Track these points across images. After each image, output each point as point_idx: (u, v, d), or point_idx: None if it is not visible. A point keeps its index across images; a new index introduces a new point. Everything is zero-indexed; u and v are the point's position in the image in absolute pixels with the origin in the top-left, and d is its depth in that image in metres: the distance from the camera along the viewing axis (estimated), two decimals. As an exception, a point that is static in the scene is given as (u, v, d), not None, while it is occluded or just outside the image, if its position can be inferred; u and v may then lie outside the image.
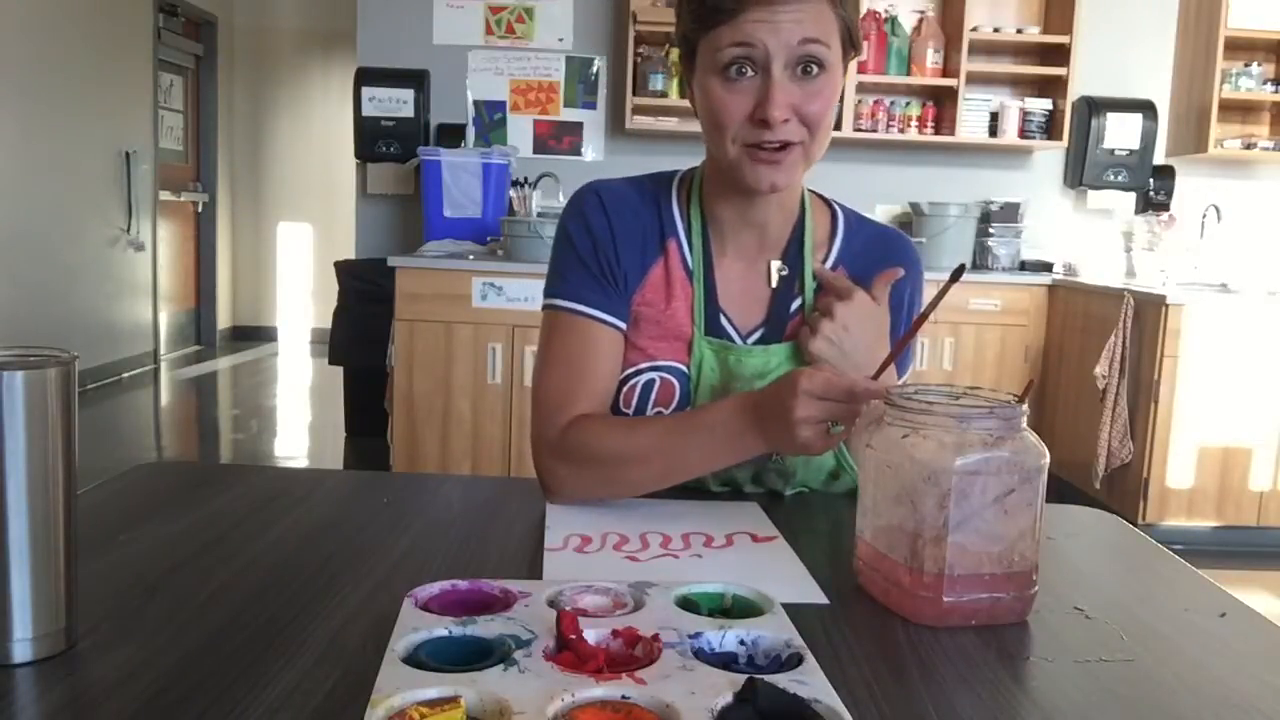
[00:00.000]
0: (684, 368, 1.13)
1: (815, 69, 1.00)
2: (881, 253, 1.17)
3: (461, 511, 1.06)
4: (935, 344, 4.02)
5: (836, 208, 1.21)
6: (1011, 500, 0.77)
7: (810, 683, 0.59)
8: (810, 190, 1.19)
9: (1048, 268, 4.36)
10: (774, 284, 1.15)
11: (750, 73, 1.00)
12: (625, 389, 1.14)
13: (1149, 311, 3.58)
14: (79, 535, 0.69)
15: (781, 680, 0.59)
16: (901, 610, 0.79)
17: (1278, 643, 0.79)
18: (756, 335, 1.15)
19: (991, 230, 4.38)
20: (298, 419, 5.67)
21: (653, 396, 1.13)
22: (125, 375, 6.28)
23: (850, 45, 1.05)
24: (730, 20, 0.99)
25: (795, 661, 0.64)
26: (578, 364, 1.11)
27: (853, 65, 4.22)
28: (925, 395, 0.81)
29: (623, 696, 0.57)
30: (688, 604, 0.72)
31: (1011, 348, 4.10)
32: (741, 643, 0.66)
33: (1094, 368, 3.68)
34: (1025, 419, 0.79)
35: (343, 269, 4.56)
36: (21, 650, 0.65)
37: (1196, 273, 4.25)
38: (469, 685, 0.57)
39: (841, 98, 1.05)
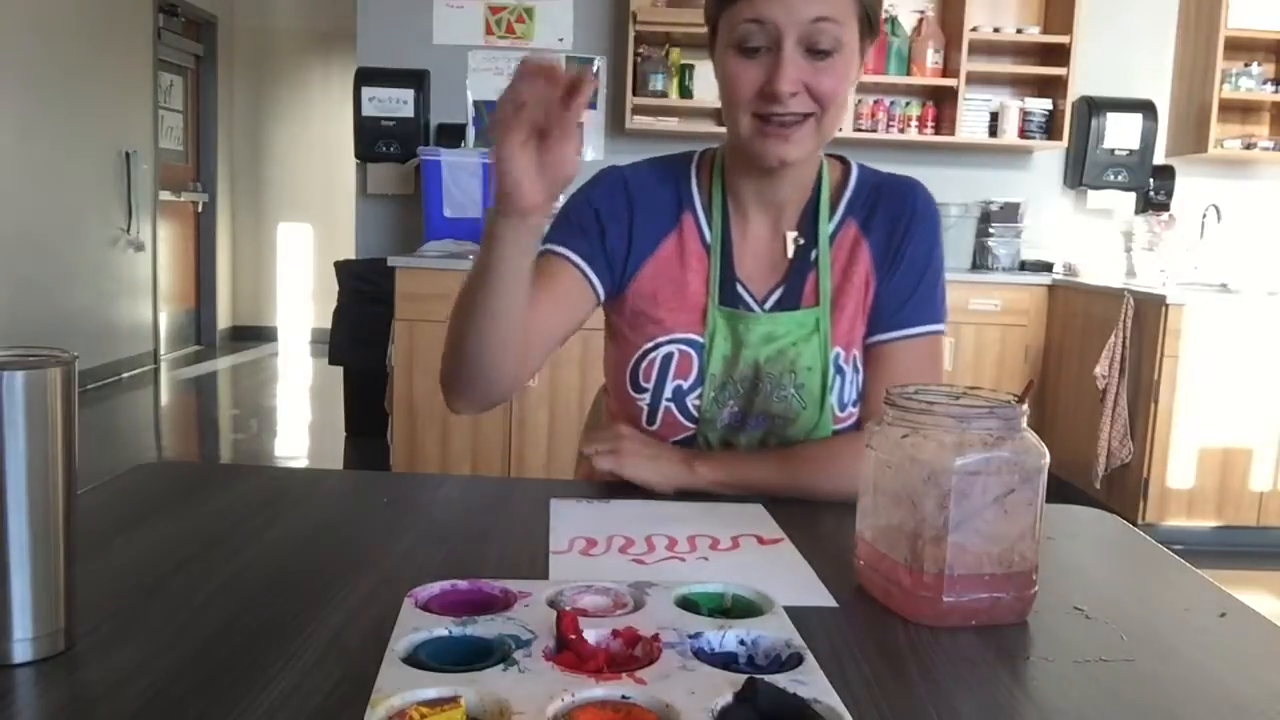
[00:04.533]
0: (699, 338, 1.16)
1: (828, 47, 1.03)
2: (891, 198, 1.20)
3: (461, 511, 1.06)
4: (935, 344, 4.01)
5: (853, 164, 1.23)
6: (1011, 500, 0.77)
7: (810, 683, 0.59)
8: (828, 155, 1.20)
9: (1048, 268, 4.36)
10: (790, 254, 1.18)
11: (764, 47, 1.03)
12: (645, 363, 1.16)
13: (1149, 311, 3.57)
14: (79, 535, 0.68)
15: (781, 680, 0.59)
16: (901, 610, 0.79)
17: (1278, 643, 0.79)
18: (773, 300, 1.17)
19: (991, 230, 4.38)
20: (298, 419, 5.67)
21: (672, 369, 1.15)
22: (125, 375, 6.27)
23: (869, 29, 1.07)
24: None
25: (795, 661, 0.63)
26: None
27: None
28: (925, 395, 0.81)
29: (623, 696, 0.57)
30: (688, 604, 0.72)
31: (1011, 348, 4.10)
32: (741, 643, 0.66)
33: (1094, 368, 3.68)
34: (1025, 419, 0.79)
35: (343, 269, 4.56)
36: (21, 650, 0.65)
37: (1196, 273, 4.25)
38: (469, 685, 0.57)
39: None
